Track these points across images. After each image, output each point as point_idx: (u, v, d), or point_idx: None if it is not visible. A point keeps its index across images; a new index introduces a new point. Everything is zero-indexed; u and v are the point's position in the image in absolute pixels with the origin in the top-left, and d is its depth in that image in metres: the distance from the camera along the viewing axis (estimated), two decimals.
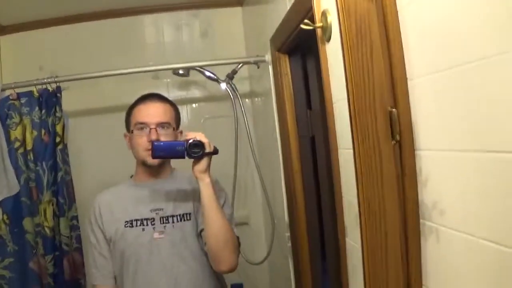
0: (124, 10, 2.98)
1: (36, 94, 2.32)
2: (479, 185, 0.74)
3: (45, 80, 2.32)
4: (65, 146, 2.38)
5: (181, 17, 3.08)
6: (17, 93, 2.32)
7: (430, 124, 0.88)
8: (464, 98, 0.75)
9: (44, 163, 2.28)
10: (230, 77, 2.72)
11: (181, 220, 1.62)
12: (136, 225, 1.61)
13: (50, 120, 2.31)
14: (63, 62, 2.83)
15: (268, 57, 2.27)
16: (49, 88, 2.33)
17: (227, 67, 2.70)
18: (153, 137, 1.57)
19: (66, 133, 2.39)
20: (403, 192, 0.95)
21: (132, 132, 1.64)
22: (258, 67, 2.49)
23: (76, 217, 2.39)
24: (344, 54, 1.09)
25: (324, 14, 1.27)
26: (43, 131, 2.30)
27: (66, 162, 2.37)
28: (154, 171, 1.69)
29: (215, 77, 2.71)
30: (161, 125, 1.61)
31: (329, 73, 1.33)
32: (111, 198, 1.70)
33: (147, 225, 1.61)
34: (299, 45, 1.86)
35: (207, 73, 2.70)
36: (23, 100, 2.31)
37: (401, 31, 0.93)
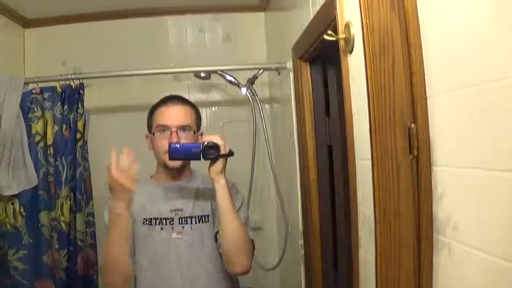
0: (149, 10, 3.02)
1: (59, 89, 2.35)
2: (494, 203, 0.74)
3: (68, 76, 2.35)
4: (85, 142, 2.40)
5: (204, 20, 3.11)
6: (40, 88, 2.34)
7: (447, 140, 0.87)
8: (483, 117, 0.75)
9: (63, 158, 2.30)
10: (251, 82, 2.73)
11: (199, 222, 1.63)
12: (155, 224, 1.63)
13: (71, 116, 2.34)
14: (85, 58, 2.88)
15: (289, 64, 2.27)
16: (72, 84, 2.36)
17: (248, 71, 2.72)
18: (174, 140, 1.58)
19: (87, 130, 2.41)
20: (418, 206, 0.95)
21: (153, 134, 1.66)
22: (279, 74, 2.49)
23: (92, 214, 2.40)
24: (366, 68, 1.10)
25: (347, 25, 1.27)
26: (64, 127, 2.32)
27: (85, 158, 2.40)
28: (175, 173, 1.70)
29: (236, 81, 2.74)
30: (182, 128, 1.63)
31: (350, 85, 1.33)
32: None
33: (166, 224, 1.62)
34: (321, 54, 1.87)
35: (228, 77, 2.73)
36: (46, 95, 2.33)
37: (422, 47, 0.93)
